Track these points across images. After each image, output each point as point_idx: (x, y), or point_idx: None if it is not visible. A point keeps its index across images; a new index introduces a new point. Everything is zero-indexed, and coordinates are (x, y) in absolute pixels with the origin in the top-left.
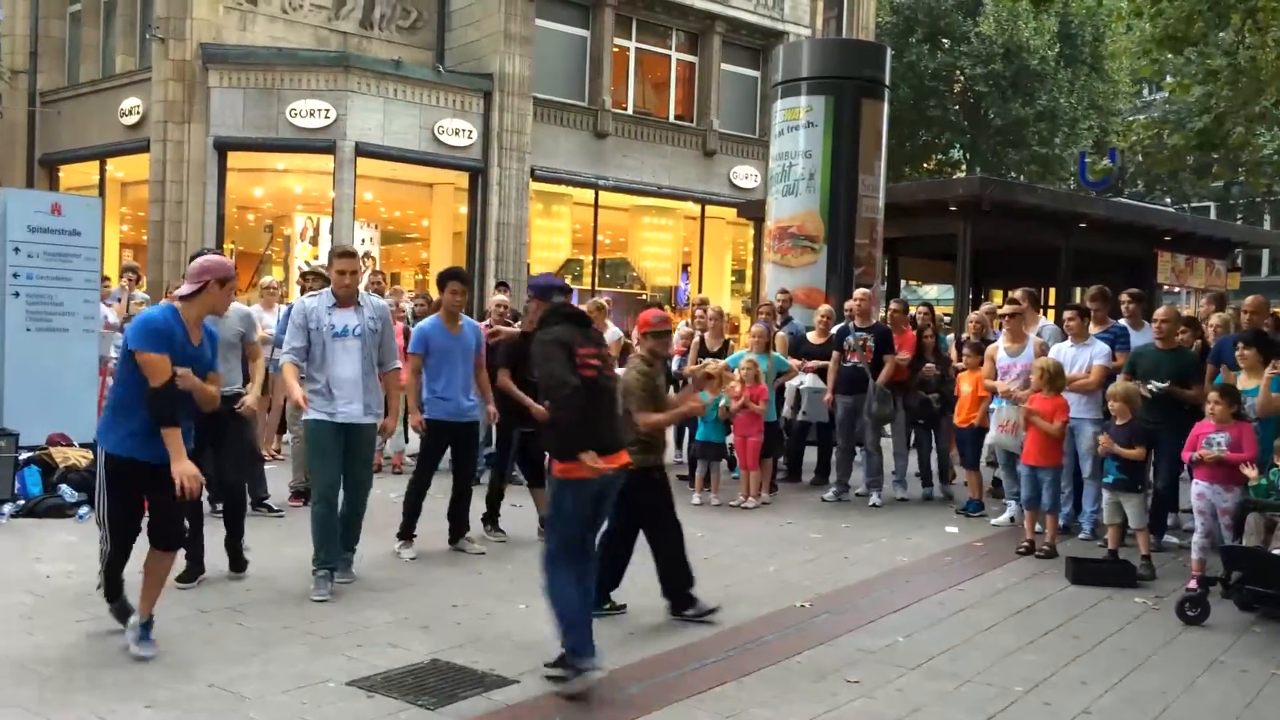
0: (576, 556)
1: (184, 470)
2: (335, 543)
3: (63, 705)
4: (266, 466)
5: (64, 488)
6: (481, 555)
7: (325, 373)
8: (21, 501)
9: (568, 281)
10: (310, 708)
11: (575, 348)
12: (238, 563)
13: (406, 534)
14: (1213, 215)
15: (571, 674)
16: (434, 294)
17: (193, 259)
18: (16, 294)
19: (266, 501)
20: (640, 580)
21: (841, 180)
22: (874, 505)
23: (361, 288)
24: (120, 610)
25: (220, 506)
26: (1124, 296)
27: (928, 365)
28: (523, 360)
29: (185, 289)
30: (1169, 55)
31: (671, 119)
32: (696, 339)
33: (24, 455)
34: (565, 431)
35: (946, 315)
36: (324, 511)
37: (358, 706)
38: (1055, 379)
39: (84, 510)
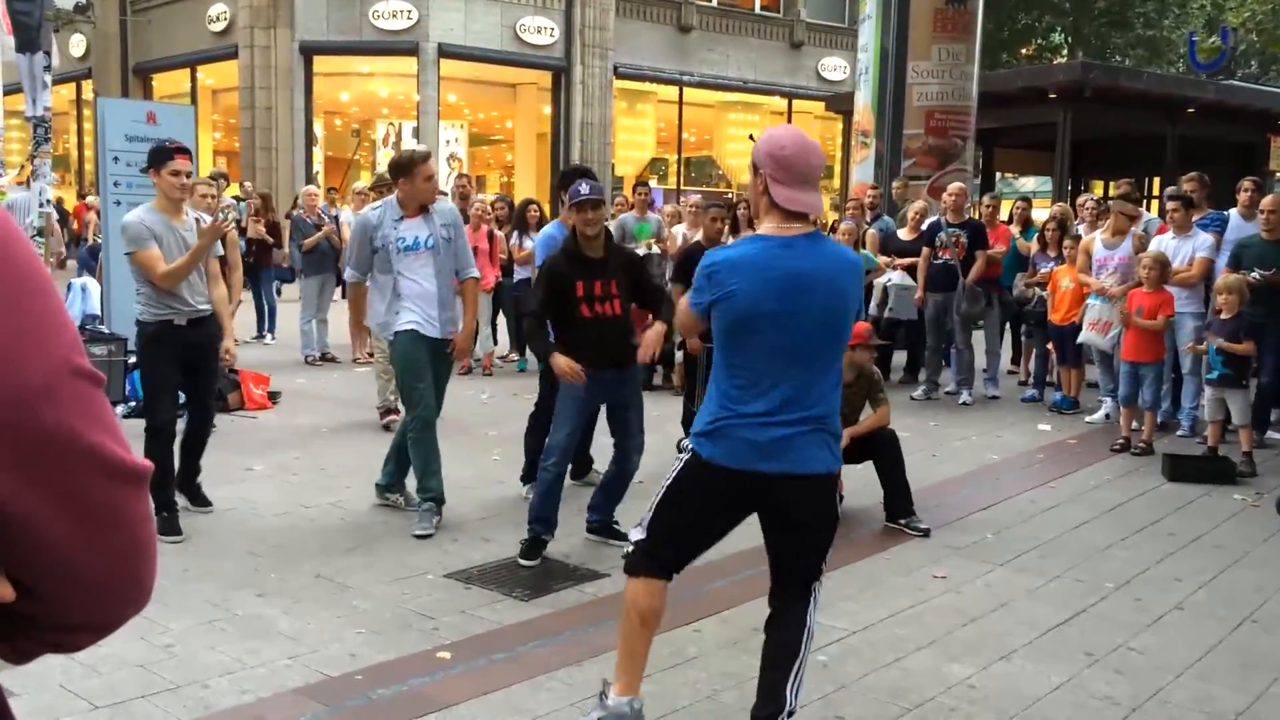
0: None
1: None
2: (439, 469)
3: (180, 593)
4: (360, 371)
5: None
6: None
7: (398, 289)
8: (132, 403)
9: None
10: (410, 597)
11: None
12: (169, 524)
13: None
14: None
15: None
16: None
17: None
18: (118, 202)
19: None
20: None
21: (888, 71)
22: (964, 403)
23: (447, 189)
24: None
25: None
26: (1245, 183)
27: (1042, 271)
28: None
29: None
30: None
31: (757, 9)
32: None
33: (132, 359)
34: None
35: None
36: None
37: (456, 597)
38: (1162, 272)
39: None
